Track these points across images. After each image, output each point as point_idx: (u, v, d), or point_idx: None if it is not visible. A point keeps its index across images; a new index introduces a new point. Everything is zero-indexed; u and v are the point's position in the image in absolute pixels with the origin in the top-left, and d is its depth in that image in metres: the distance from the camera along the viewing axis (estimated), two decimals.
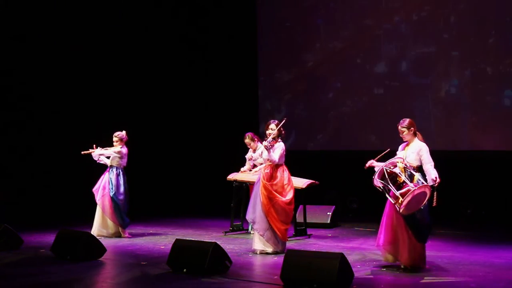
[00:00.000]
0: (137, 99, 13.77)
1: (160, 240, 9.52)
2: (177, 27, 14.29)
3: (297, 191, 9.16)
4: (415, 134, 7.28)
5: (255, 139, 9.98)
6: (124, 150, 9.77)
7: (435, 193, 6.92)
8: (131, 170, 9.98)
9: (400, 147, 7.37)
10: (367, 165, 7.28)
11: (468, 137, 11.66)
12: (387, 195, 7.02)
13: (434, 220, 7.34)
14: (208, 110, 14.41)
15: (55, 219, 11.33)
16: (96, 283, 6.87)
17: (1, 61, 12.40)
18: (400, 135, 7.30)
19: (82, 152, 9.81)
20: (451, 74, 11.77)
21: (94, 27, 13.19)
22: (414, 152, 7.15)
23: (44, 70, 12.79)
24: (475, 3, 11.58)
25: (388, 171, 6.99)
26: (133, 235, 9.84)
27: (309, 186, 9.64)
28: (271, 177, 8.27)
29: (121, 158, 9.72)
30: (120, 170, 9.74)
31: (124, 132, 9.82)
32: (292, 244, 8.93)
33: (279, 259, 7.30)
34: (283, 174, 8.31)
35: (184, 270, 6.96)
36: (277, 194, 8.19)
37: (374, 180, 7.04)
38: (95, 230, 9.60)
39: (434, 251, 8.00)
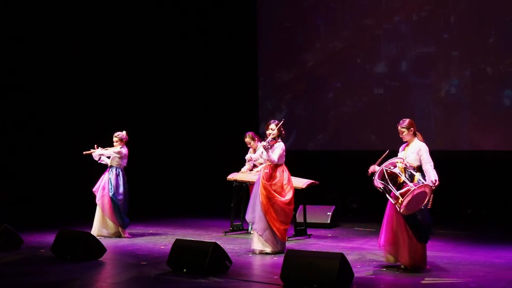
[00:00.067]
0: (137, 99, 13.78)
1: (160, 240, 9.51)
2: (177, 27, 14.29)
3: (297, 191, 9.16)
4: (415, 135, 7.28)
5: (256, 138, 9.97)
6: (124, 150, 9.77)
7: (431, 195, 6.92)
8: (131, 170, 9.98)
9: (401, 148, 7.37)
10: (369, 171, 7.25)
11: (468, 137, 11.66)
12: (387, 196, 7.02)
13: (434, 220, 7.35)
14: (208, 110, 14.41)
15: (55, 219, 11.32)
16: (96, 283, 6.87)
17: (1, 61, 12.40)
18: (400, 136, 7.29)
19: (84, 152, 9.82)
20: (451, 74, 11.77)
21: (94, 27, 13.20)
22: (414, 152, 7.15)
23: (44, 70, 12.80)
24: (475, 3, 11.58)
25: (388, 171, 6.99)
26: (133, 235, 9.84)
27: (309, 186, 9.64)
28: (270, 177, 8.27)
29: (121, 158, 9.72)
30: (119, 170, 9.73)
31: (124, 132, 9.82)
32: (292, 244, 8.93)
33: (279, 259, 7.30)
34: (283, 174, 8.31)
35: (184, 270, 6.96)
36: (276, 194, 8.19)
37: (375, 181, 7.04)
38: (95, 230, 9.60)
39: (434, 251, 8.00)
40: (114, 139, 9.76)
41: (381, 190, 7.06)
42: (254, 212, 8.23)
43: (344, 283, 6.20)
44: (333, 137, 12.95)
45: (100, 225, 9.70)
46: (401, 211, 6.83)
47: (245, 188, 10.00)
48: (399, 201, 6.80)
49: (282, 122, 8.36)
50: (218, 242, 7.09)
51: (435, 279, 6.64)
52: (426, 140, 7.35)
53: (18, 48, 12.53)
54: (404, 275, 6.89)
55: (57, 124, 12.94)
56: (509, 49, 11.23)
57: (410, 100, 12.12)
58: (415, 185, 6.82)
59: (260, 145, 8.77)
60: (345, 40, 12.81)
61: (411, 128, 7.23)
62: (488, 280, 6.56)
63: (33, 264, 7.62)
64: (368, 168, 7.23)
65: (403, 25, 12.18)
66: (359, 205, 12.65)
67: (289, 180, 8.35)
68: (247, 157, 9.93)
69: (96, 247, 7.84)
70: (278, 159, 8.27)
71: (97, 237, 8.38)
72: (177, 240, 7.37)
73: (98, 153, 9.72)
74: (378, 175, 7.01)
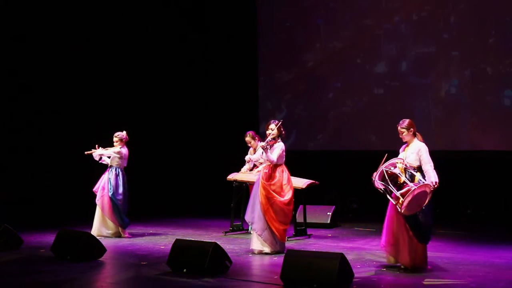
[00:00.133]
0: (137, 99, 13.77)
1: (160, 240, 9.51)
2: (177, 27, 14.29)
3: (297, 191, 9.16)
4: (414, 135, 7.27)
5: (256, 137, 9.96)
6: (124, 150, 9.77)
7: (431, 195, 6.93)
8: (131, 170, 9.98)
9: (401, 149, 7.36)
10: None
11: (468, 137, 11.66)
12: (388, 197, 7.01)
13: (434, 220, 7.34)
14: (208, 110, 14.41)
15: (55, 219, 11.32)
16: (96, 283, 6.87)
17: (1, 61, 12.40)
18: (400, 136, 7.29)
19: (86, 152, 9.82)
20: (451, 74, 11.77)
21: (94, 27, 13.19)
22: (414, 152, 7.15)
23: (44, 70, 12.79)
24: (475, 3, 11.58)
25: (389, 172, 6.98)
26: (133, 235, 9.84)
27: (309, 186, 9.64)
28: (269, 177, 8.27)
29: (120, 158, 9.72)
30: (119, 170, 9.73)
31: (124, 132, 9.82)
32: (292, 244, 8.93)
33: (279, 259, 7.30)
34: (282, 174, 8.31)
35: (184, 270, 6.96)
36: (275, 194, 8.19)
37: (375, 182, 7.03)
38: (95, 230, 9.60)
39: (434, 251, 7.99)
40: (114, 139, 9.76)
41: (382, 191, 7.06)
42: (254, 212, 8.23)
43: (344, 283, 6.20)
44: (333, 137, 12.96)
45: (100, 225, 9.70)
46: (402, 211, 6.82)
47: (245, 188, 9.99)
48: (400, 202, 6.80)
49: (280, 122, 8.36)
50: (218, 242, 7.09)
51: (436, 280, 6.63)
52: (426, 140, 7.35)
53: (18, 48, 12.53)
54: (404, 275, 6.90)
55: (57, 124, 12.93)
56: (509, 49, 11.23)
57: (410, 100, 12.12)
58: (415, 185, 6.82)
59: (260, 145, 8.77)
60: (345, 40, 12.81)
61: (411, 129, 7.23)
62: (488, 280, 6.56)
63: (33, 264, 7.62)
64: (369, 170, 7.22)
65: (403, 25, 12.18)
66: (359, 205, 12.65)
67: (288, 180, 8.34)
68: (247, 158, 9.91)
69: (96, 247, 7.84)
70: (278, 159, 8.27)
71: (97, 237, 8.37)
72: (177, 240, 7.37)
73: (99, 153, 9.72)
74: (379, 176, 7.00)
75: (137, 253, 8.39)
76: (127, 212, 9.78)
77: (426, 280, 6.62)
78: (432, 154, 7.17)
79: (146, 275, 7.03)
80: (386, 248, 7.19)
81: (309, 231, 9.89)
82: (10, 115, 12.55)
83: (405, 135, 7.25)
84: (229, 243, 8.87)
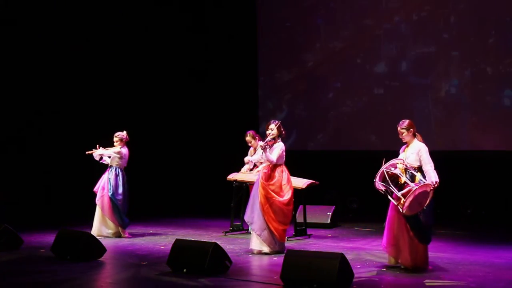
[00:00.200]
0: (137, 99, 13.77)
1: (160, 240, 9.51)
2: (177, 27, 14.29)
3: (297, 191, 9.16)
4: (414, 135, 7.27)
5: (256, 137, 9.96)
6: (124, 150, 9.77)
7: (432, 195, 6.93)
8: (131, 170, 9.98)
9: (401, 149, 7.36)
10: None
11: (468, 137, 11.66)
12: (389, 197, 7.01)
13: (434, 220, 7.34)
14: (208, 110, 14.40)
15: (55, 219, 11.33)
16: (95, 283, 6.87)
17: (1, 61, 12.40)
18: (400, 137, 7.29)
19: (86, 152, 9.82)
20: (451, 74, 11.77)
21: (94, 27, 13.19)
22: (414, 153, 7.14)
23: (44, 70, 12.79)
24: (475, 3, 11.59)
25: (389, 173, 6.98)
26: (133, 235, 9.84)
27: (309, 186, 9.64)
28: (269, 177, 8.26)
29: (120, 158, 9.72)
30: (119, 170, 9.73)
31: (124, 132, 9.82)
32: (292, 244, 8.93)
33: (279, 259, 7.30)
34: (282, 174, 8.30)
35: (184, 270, 6.96)
36: (274, 194, 8.18)
37: (376, 183, 7.02)
38: (95, 230, 9.60)
39: (434, 252, 7.98)
40: (115, 139, 9.76)
41: (383, 193, 7.05)
42: (253, 212, 8.23)
43: (344, 283, 6.20)
44: (333, 137, 12.96)
45: (100, 225, 9.70)
46: (404, 211, 6.81)
47: (245, 188, 9.99)
48: (401, 202, 6.80)
49: (279, 122, 8.36)
50: (218, 242, 7.09)
51: (436, 281, 6.63)
52: (426, 141, 7.35)
53: (18, 48, 12.52)
54: (405, 275, 6.89)
55: (57, 124, 12.93)
56: (509, 49, 11.23)
57: (410, 100, 12.12)
58: (416, 185, 6.82)
59: (259, 145, 8.77)
60: (345, 40, 12.81)
61: (411, 129, 7.22)
62: (488, 280, 6.56)
63: (33, 264, 7.62)
64: (369, 170, 7.22)
65: (403, 25, 12.18)
66: (359, 205, 12.65)
67: (288, 180, 8.33)
68: (246, 159, 9.90)
69: (96, 247, 7.84)
70: (278, 159, 8.26)
71: (97, 237, 8.37)
72: (177, 240, 7.37)
73: (99, 153, 9.72)
74: (379, 177, 7.00)
75: (137, 253, 8.39)
76: (127, 212, 9.78)
77: (427, 281, 6.61)
78: (432, 154, 7.17)
79: (146, 275, 7.03)
80: (387, 248, 7.19)
81: (309, 231, 9.89)
82: (10, 115, 12.54)
83: (405, 135, 7.24)
84: (229, 243, 8.87)
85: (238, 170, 10.15)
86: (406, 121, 7.27)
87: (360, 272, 6.91)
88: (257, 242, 8.19)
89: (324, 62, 13.03)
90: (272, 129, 8.29)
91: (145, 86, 13.96)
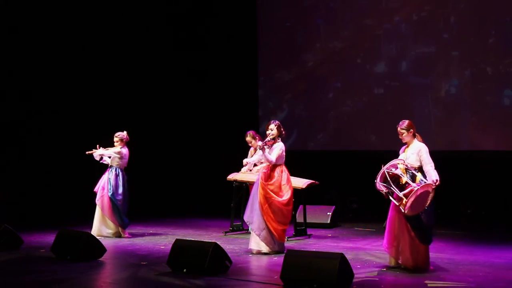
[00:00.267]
0: (137, 99, 13.77)
1: (160, 240, 9.52)
2: (177, 27, 14.28)
3: (297, 191, 9.16)
4: (414, 136, 7.27)
5: (256, 137, 9.95)
6: (124, 150, 9.77)
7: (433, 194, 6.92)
8: (131, 170, 9.98)
9: (401, 150, 7.36)
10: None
11: (468, 137, 11.66)
12: (390, 198, 7.00)
13: (436, 220, 7.34)
14: (208, 110, 14.40)
15: (55, 219, 11.32)
16: (95, 283, 6.87)
17: (1, 61, 12.40)
18: (400, 137, 7.28)
19: (87, 152, 9.82)
20: (451, 74, 11.77)
21: (94, 27, 13.19)
22: (414, 153, 7.14)
23: (44, 70, 12.79)
24: (475, 3, 11.59)
25: (390, 173, 6.97)
26: (133, 235, 9.84)
27: (309, 186, 9.64)
28: (268, 177, 8.26)
29: (121, 158, 9.72)
30: (119, 171, 9.73)
31: (125, 132, 9.82)
32: (292, 244, 8.93)
33: (279, 259, 7.30)
34: (281, 174, 8.29)
35: (184, 270, 6.96)
36: (273, 194, 8.17)
37: (377, 184, 7.02)
38: (95, 230, 9.60)
39: (435, 252, 7.98)
40: (115, 139, 9.76)
41: (384, 194, 7.04)
42: (252, 212, 8.23)
43: (344, 283, 6.20)
44: (333, 137, 12.96)
45: (100, 225, 9.70)
46: (406, 212, 6.80)
47: (245, 188, 9.99)
48: (403, 202, 6.79)
49: (278, 123, 8.35)
50: (218, 242, 7.09)
51: (437, 282, 6.62)
52: (426, 141, 7.34)
53: (19, 48, 12.52)
54: (405, 275, 6.89)
55: (57, 124, 12.93)
56: (509, 49, 11.23)
57: (410, 100, 12.12)
58: (418, 185, 6.81)
59: (257, 145, 8.76)
60: (345, 40, 12.81)
61: (411, 130, 7.22)
62: (488, 280, 6.56)
63: (33, 264, 7.62)
64: (369, 170, 7.21)
65: (403, 25, 12.18)
66: (359, 205, 12.65)
67: (287, 180, 8.32)
68: (244, 161, 9.88)
69: (96, 247, 7.84)
70: (277, 159, 8.25)
71: (97, 237, 8.37)
72: (177, 240, 7.37)
73: (99, 153, 9.72)
74: (380, 178, 6.99)
75: (137, 253, 8.39)
76: (127, 212, 9.78)
77: (428, 281, 6.61)
78: (432, 154, 7.17)
79: (146, 275, 7.03)
80: (388, 249, 7.19)
81: (309, 231, 9.89)
82: (10, 115, 12.54)
83: (405, 136, 7.24)
84: (229, 243, 8.87)
85: (238, 170, 10.15)
86: (406, 122, 7.27)
87: (360, 272, 6.91)
88: (256, 242, 8.18)
89: (324, 62, 13.03)
90: (272, 129, 8.29)
91: (145, 86, 13.96)
